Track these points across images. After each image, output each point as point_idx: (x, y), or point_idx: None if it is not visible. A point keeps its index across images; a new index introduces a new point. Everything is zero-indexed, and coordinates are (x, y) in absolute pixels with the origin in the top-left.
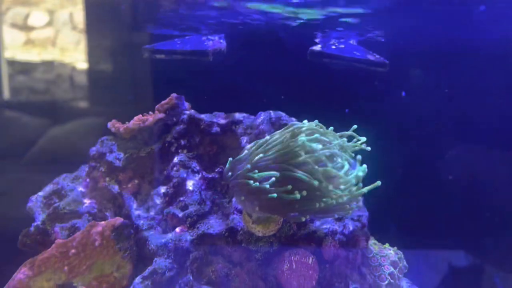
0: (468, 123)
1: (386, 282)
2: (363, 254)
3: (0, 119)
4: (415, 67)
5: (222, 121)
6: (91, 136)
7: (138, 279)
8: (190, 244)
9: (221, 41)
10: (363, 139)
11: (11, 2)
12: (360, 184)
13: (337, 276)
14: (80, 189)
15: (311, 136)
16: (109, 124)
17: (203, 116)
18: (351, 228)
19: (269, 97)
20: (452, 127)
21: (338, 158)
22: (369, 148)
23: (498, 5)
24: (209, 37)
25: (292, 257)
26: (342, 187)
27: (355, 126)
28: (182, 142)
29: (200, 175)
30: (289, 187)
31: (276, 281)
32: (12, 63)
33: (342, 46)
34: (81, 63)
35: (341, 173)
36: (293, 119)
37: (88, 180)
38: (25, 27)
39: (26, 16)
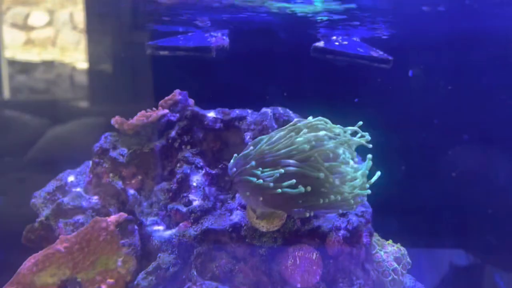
0: (472, 120)
1: (389, 278)
2: (367, 250)
3: (0, 119)
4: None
5: (226, 117)
6: (91, 135)
7: (142, 274)
8: (194, 240)
9: (224, 37)
10: (367, 135)
11: (11, 2)
12: (365, 179)
13: (341, 271)
14: (84, 185)
15: (316, 131)
16: (113, 120)
17: (206, 112)
18: (355, 224)
19: (272, 93)
20: (457, 124)
21: (343, 153)
22: (370, 146)
23: None
24: (212, 33)
25: (296, 253)
26: (348, 182)
27: (360, 123)
28: (186, 138)
29: (203, 171)
30: (293, 181)
31: (280, 276)
32: (12, 63)
33: (345, 42)
34: (81, 63)
35: (347, 168)
36: (297, 115)
37: (91, 176)
38: (25, 27)
39: (26, 16)
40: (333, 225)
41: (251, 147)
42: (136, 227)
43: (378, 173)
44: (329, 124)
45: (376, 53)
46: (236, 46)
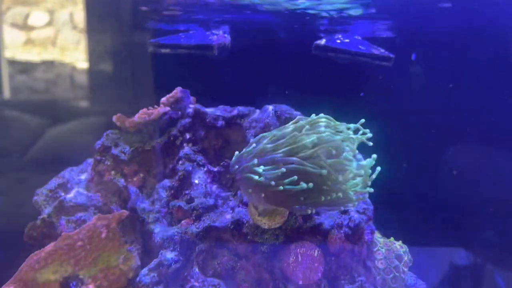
0: (474, 119)
1: (391, 276)
2: (369, 247)
3: (1, 119)
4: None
5: (227, 115)
6: (91, 135)
7: (144, 271)
8: (196, 237)
9: (226, 35)
10: (367, 132)
11: (11, 2)
12: (367, 177)
13: (343, 268)
14: (86, 182)
15: (318, 129)
16: (114, 118)
17: (208, 109)
18: (356, 221)
19: (274, 91)
20: (459, 122)
21: (345, 150)
22: (370, 144)
23: None
24: (214, 31)
25: (298, 250)
26: (350, 179)
27: (362, 120)
28: (188, 135)
29: (205, 169)
30: (295, 177)
31: (282, 273)
32: (12, 63)
33: (347, 40)
34: (81, 63)
35: (350, 165)
36: (299, 112)
37: (93, 173)
38: (25, 27)
39: (26, 16)
40: (334, 222)
41: (253, 145)
42: (138, 224)
43: (378, 169)
44: (332, 121)
45: (378, 50)
46: (237, 44)
